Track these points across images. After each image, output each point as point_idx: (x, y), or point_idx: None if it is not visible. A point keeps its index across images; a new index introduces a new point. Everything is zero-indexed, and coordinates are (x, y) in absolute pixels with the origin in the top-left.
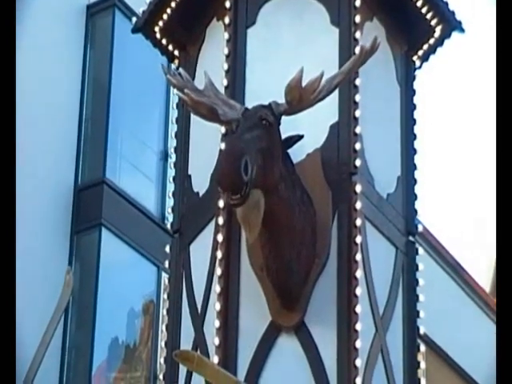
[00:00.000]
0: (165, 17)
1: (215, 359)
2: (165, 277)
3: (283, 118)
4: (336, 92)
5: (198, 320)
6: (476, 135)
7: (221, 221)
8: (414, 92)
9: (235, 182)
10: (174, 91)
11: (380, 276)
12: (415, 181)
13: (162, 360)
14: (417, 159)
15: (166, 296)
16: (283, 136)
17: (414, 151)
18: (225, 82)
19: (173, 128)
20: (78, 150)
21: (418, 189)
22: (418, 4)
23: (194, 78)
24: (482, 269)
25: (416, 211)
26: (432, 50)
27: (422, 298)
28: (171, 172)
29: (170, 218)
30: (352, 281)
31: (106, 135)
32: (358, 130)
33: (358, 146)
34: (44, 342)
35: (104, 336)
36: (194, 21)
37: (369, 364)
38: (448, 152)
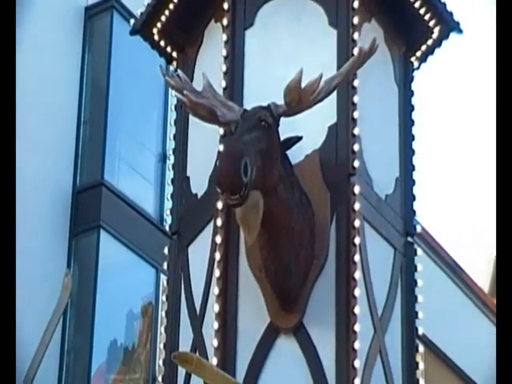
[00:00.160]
0: (163, 18)
1: (214, 361)
2: (163, 279)
3: (281, 119)
4: (334, 93)
5: (197, 322)
6: (474, 136)
7: (219, 222)
8: (412, 93)
9: (235, 184)
10: (172, 93)
11: (378, 277)
12: (413, 182)
13: (161, 362)
14: (415, 160)
15: (164, 298)
16: (281, 137)
17: (413, 152)
18: (223, 84)
19: (171, 130)
20: (77, 151)
21: (416, 190)
22: (416, 5)
23: (192, 80)
24: (481, 269)
25: (414, 212)
26: (430, 50)
27: (420, 298)
28: (169, 174)
29: (168, 219)
30: (350, 282)
31: (105, 137)
32: (356, 131)
33: (356, 147)
34: (43, 344)
35: (103, 338)
36: (192, 22)
37: (367, 365)
38: (446, 153)
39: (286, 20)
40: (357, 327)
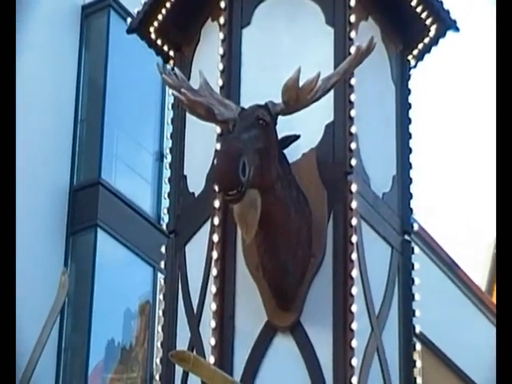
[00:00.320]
0: (160, 17)
1: (211, 359)
2: (160, 277)
3: (279, 117)
4: (331, 92)
5: (194, 320)
6: (472, 134)
7: (216, 221)
8: (409, 91)
9: (233, 182)
10: (169, 92)
11: (376, 275)
12: (411, 180)
13: (159, 360)
14: (412, 158)
15: (161, 297)
16: (279, 136)
17: (410, 150)
18: (220, 82)
19: (168, 129)
20: (74, 150)
21: (413, 188)
22: (413, 3)
23: (189, 79)
24: (478, 267)
25: (411, 210)
26: (427, 49)
27: (417, 296)
28: (167, 173)
29: (165, 218)
30: (348, 280)
31: (102, 136)
32: (353, 129)
33: (353, 145)
34: (40, 343)
35: (100, 337)
36: (189, 21)
37: (365, 363)
38: (443, 151)
39: (283, 19)
40: (354, 325)
